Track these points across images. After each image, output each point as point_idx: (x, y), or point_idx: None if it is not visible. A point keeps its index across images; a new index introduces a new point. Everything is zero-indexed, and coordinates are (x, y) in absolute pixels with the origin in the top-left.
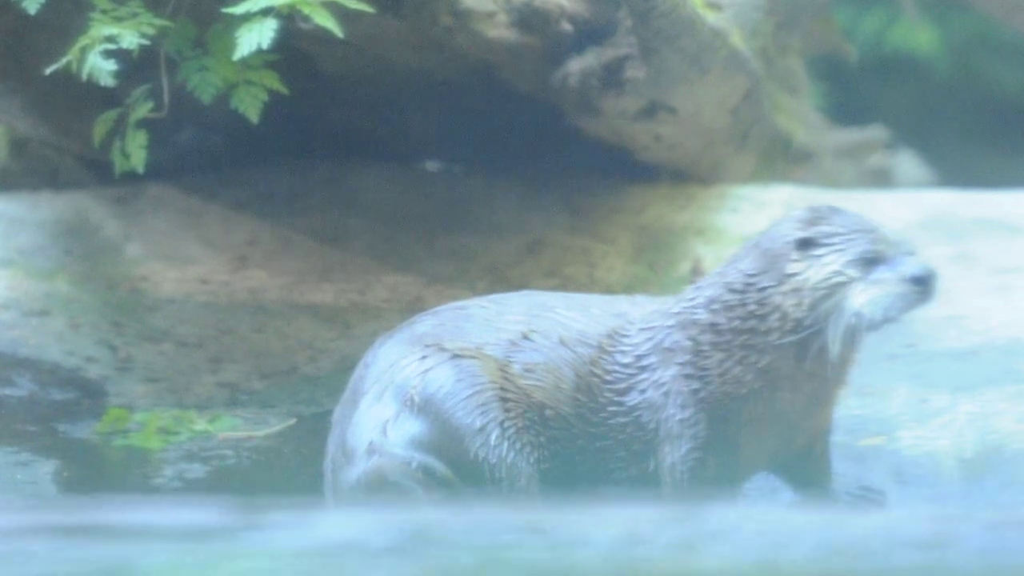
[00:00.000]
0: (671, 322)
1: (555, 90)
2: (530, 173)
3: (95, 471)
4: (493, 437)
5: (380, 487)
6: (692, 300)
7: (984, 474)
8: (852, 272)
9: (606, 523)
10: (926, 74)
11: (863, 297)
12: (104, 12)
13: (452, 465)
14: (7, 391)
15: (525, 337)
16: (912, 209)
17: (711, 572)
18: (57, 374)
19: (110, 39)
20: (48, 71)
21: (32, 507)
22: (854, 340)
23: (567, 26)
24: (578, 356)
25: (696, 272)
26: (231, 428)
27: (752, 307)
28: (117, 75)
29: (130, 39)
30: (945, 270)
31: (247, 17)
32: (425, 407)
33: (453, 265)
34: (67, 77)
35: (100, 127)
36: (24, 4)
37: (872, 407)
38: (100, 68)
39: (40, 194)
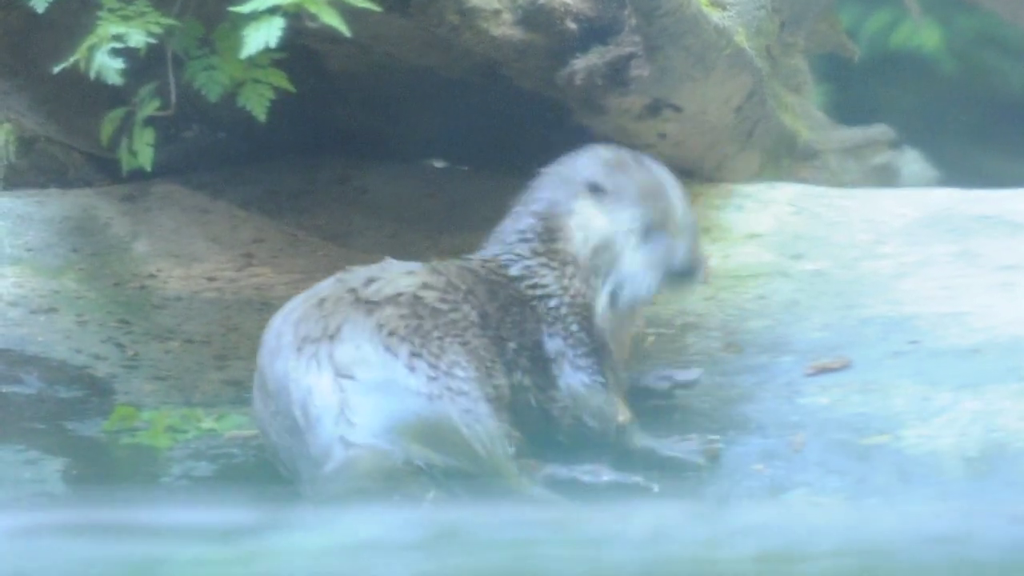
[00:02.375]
0: (507, 256)
1: (560, 88)
2: (536, 171)
3: (102, 469)
4: (425, 370)
5: (360, 480)
6: (508, 238)
7: (988, 472)
8: (626, 240)
9: (631, 520)
10: (931, 73)
11: (630, 268)
12: (111, 11)
13: (421, 427)
14: (14, 388)
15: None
16: (916, 207)
17: (736, 569)
18: (64, 372)
19: (117, 38)
20: (56, 69)
21: (58, 506)
22: (626, 303)
23: (572, 24)
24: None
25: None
26: (238, 426)
27: (557, 229)
28: (124, 73)
29: (137, 38)
30: (949, 268)
31: (254, 16)
32: (362, 386)
33: None
34: (75, 75)
35: (107, 125)
36: (32, 3)
37: (875, 404)
38: (107, 66)
39: (47, 192)
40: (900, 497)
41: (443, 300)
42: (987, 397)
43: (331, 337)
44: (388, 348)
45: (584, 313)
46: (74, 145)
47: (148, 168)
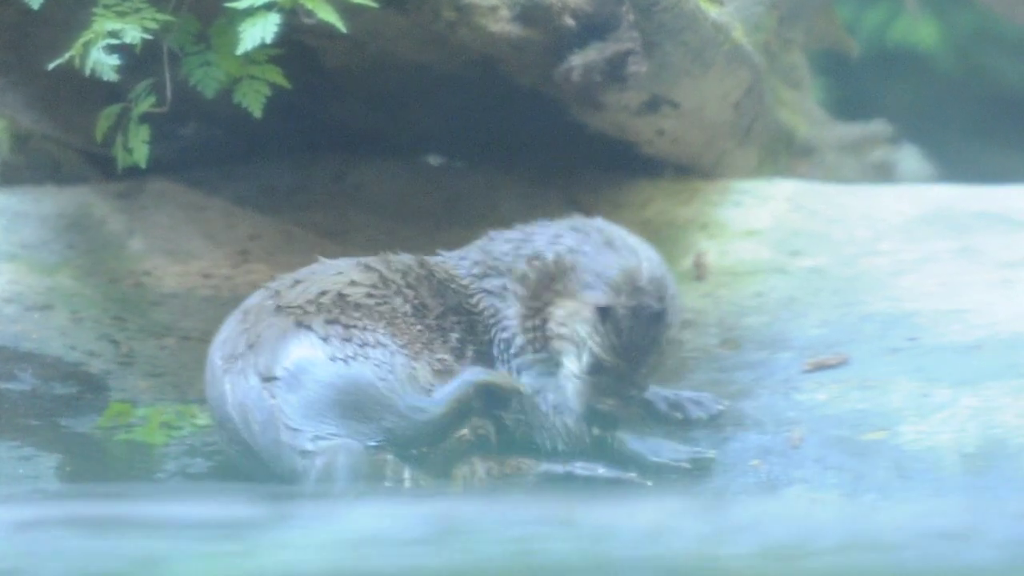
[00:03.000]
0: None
1: (558, 84)
2: (533, 167)
3: (97, 465)
4: (339, 332)
5: (339, 482)
6: (499, 259)
7: (986, 468)
8: (576, 363)
9: (634, 516)
10: (928, 69)
11: (564, 379)
12: (107, 7)
13: (344, 397)
14: (9, 385)
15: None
16: (914, 204)
17: (738, 564)
18: (59, 368)
19: (113, 34)
20: (51, 66)
21: (62, 499)
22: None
23: (569, 20)
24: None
25: (699, 266)
26: None
27: (545, 294)
28: (120, 70)
29: (133, 34)
30: (948, 265)
31: (250, 12)
32: (284, 382)
33: None
34: (70, 72)
35: (103, 122)
36: None
37: (874, 401)
38: (103, 63)
39: (43, 188)
40: (898, 493)
41: (370, 296)
42: (986, 394)
43: (251, 346)
44: (300, 323)
45: (539, 349)
46: (69, 142)
47: (143, 165)
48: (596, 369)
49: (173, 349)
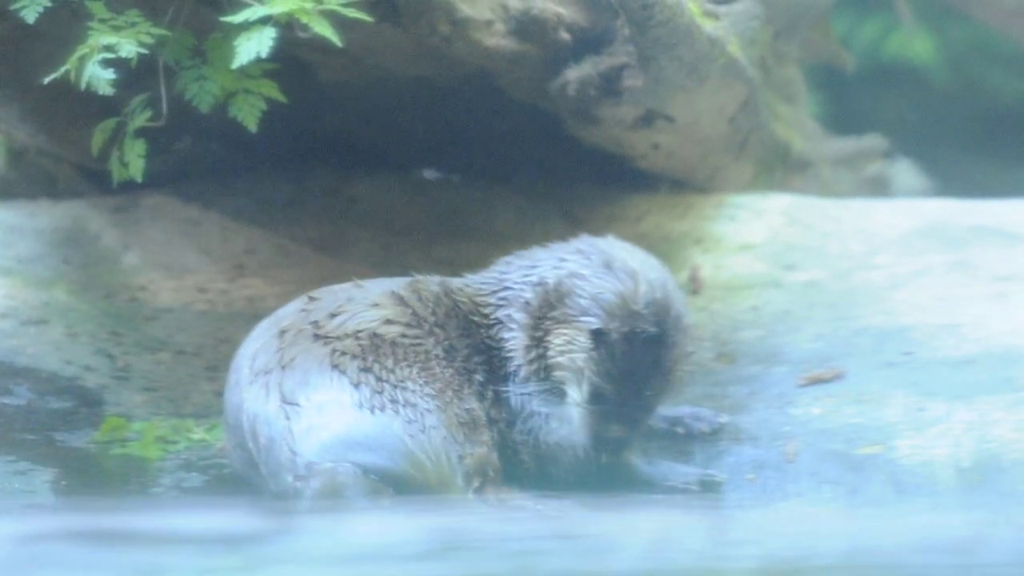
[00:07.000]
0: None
1: (553, 98)
2: (528, 181)
3: (93, 480)
4: (372, 383)
5: (332, 497)
6: (510, 286)
7: (982, 483)
8: (578, 392)
9: (636, 529)
10: (924, 83)
11: (569, 410)
12: (102, 21)
13: (362, 441)
14: (5, 400)
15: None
16: (910, 218)
17: None
18: (55, 383)
19: (108, 48)
20: (46, 80)
21: (64, 511)
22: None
23: (565, 35)
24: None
25: (694, 280)
26: None
27: (548, 320)
28: (115, 84)
29: (128, 48)
30: (943, 278)
31: (245, 26)
32: (304, 410)
33: (451, 273)
34: (65, 86)
35: (98, 136)
36: (22, 13)
37: (869, 415)
38: (98, 77)
39: (38, 203)
40: (894, 507)
41: (404, 335)
42: (981, 408)
43: (283, 367)
44: (336, 367)
45: (543, 379)
46: (65, 156)
47: (139, 179)
48: (597, 397)
49: (169, 364)
